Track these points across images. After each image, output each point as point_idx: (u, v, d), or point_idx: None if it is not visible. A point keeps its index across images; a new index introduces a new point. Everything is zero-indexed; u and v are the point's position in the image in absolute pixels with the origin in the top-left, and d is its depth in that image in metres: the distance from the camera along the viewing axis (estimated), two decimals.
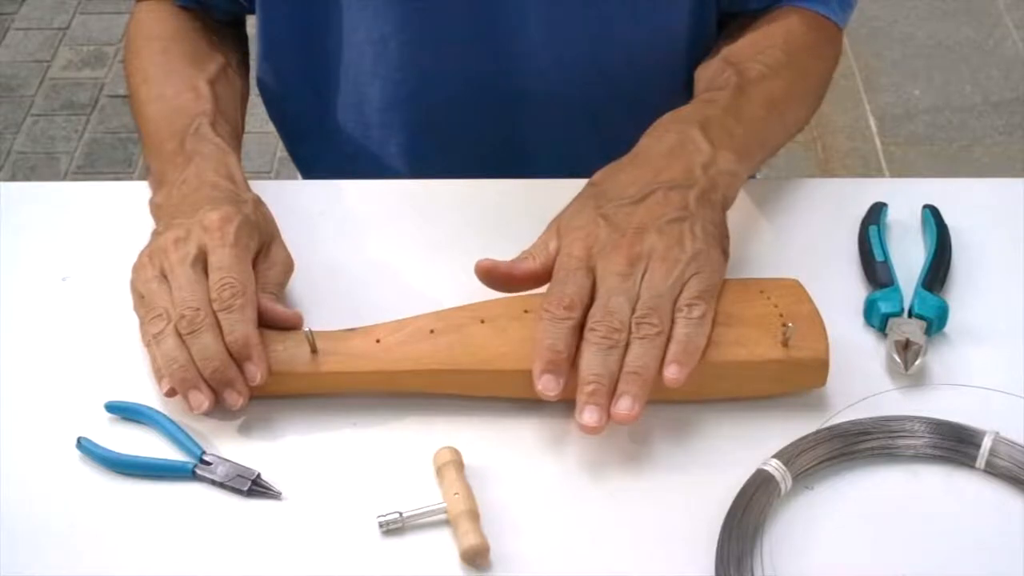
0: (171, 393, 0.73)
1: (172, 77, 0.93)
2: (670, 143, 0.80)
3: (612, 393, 0.70)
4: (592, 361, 0.70)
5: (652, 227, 0.74)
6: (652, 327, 0.70)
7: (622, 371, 0.70)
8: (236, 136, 0.92)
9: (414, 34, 0.96)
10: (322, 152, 1.07)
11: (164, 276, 0.75)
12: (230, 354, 0.72)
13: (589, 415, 0.69)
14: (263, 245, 0.79)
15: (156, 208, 0.84)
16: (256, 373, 0.72)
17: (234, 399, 0.72)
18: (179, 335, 0.72)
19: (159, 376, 0.73)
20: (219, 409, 0.73)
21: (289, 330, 0.76)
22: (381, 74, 0.98)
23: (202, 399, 0.72)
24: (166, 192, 0.83)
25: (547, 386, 0.70)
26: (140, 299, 0.76)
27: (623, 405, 0.69)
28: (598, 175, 0.80)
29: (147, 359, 0.75)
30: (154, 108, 0.91)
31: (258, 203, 0.81)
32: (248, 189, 0.83)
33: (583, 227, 0.75)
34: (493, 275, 0.76)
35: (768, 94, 0.88)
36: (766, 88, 0.88)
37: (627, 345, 0.70)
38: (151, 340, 0.73)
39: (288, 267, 0.81)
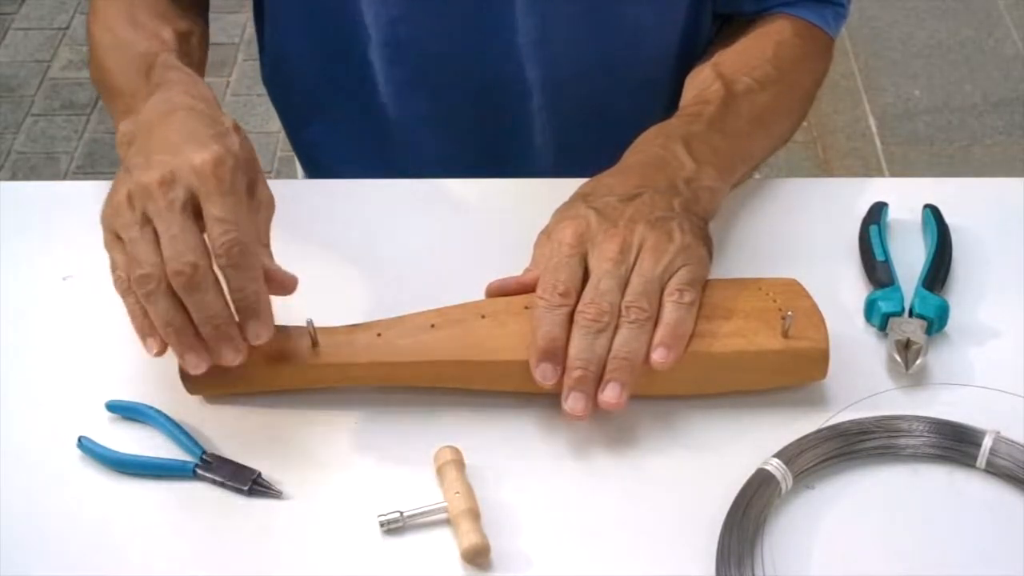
0: (159, 353, 0.69)
1: (136, 28, 0.89)
2: (654, 156, 0.82)
3: (599, 379, 0.70)
4: (580, 345, 0.70)
5: (642, 221, 0.75)
6: (642, 311, 0.71)
7: (610, 356, 0.70)
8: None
9: (422, 19, 0.96)
10: (326, 137, 1.07)
11: (148, 221, 0.68)
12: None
13: (574, 401, 0.70)
14: (250, 184, 0.72)
15: (124, 136, 0.75)
16: (262, 331, 0.69)
17: (232, 356, 0.69)
18: (172, 294, 0.67)
19: (143, 335, 0.70)
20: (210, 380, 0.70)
21: (290, 326, 0.76)
22: (387, 57, 0.99)
23: (198, 360, 0.69)
24: (134, 118, 0.76)
25: (544, 374, 0.71)
26: (116, 242, 0.70)
27: (610, 393, 0.70)
28: (583, 185, 0.81)
29: (133, 335, 0.71)
30: (116, 56, 0.88)
31: (239, 130, 0.74)
32: (223, 112, 0.75)
33: (573, 217, 0.76)
34: (505, 291, 0.76)
35: (754, 108, 0.88)
36: (752, 102, 0.88)
37: (616, 329, 0.71)
38: (141, 297, 0.68)
39: (272, 207, 0.75)
